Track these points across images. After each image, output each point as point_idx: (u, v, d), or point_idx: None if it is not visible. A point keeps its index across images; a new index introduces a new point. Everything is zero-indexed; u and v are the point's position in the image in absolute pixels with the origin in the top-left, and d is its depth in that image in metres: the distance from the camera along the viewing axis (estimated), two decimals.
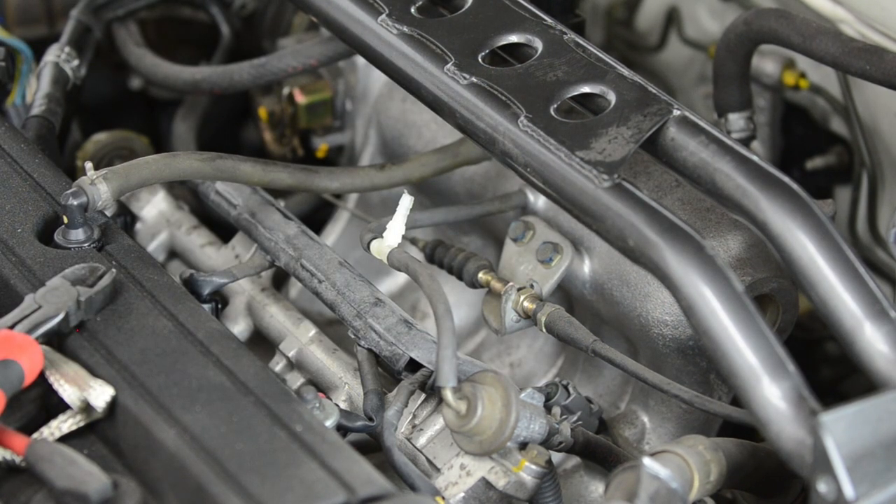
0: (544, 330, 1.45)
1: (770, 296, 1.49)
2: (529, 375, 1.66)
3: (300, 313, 1.52)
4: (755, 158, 1.27)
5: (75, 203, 1.37)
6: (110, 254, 1.37)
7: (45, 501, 1.17)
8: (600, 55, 1.39)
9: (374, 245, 1.47)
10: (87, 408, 1.22)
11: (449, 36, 1.42)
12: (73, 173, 1.66)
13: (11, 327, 1.24)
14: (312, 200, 1.84)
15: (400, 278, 1.76)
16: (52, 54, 1.73)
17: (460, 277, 1.54)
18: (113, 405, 1.22)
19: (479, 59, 1.40)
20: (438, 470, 1.37)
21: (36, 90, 1.69)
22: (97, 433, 1.23)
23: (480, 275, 1.52)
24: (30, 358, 1.21)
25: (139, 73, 1.87)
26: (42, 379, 1.22)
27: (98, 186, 1.39)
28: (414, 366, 1.40)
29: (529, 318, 1.47)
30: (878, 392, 1.16)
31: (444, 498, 1.33)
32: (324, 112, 1.83)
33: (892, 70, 1.51)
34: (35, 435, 1.21)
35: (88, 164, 1.39)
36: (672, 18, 2.09)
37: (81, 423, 1.22)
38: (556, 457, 1.42)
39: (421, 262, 1.42)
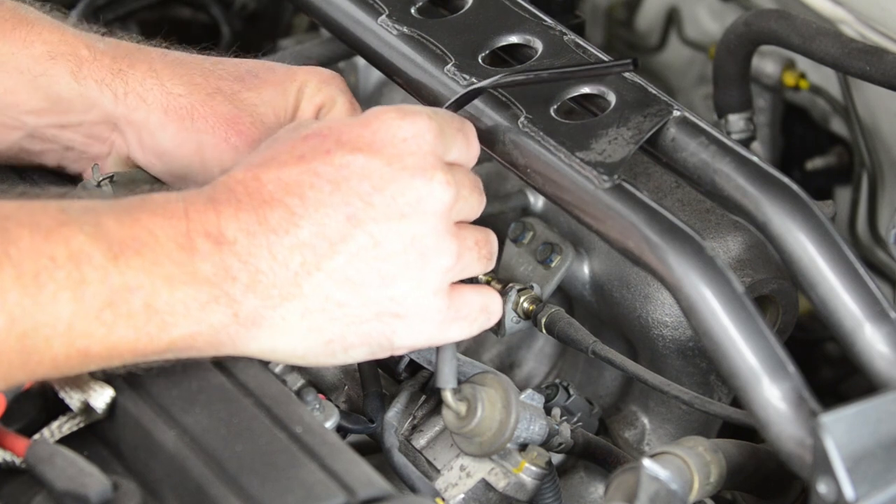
0: (544, 331, 1.45)
1: (770, 297, 1.49)
2: (529, 376, 1.66)
3: None
4: (755, 159, 1.27)
5: None
6: None
7: (45, 503, 1.17)
8: (600, 56, 1.39)
9: None
10: (87, 409, 1.22)
11: (449, 37, 1.42)
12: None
13: None
14: None
15: None
16: None
17: None
18: (113, 406, 1.22)
19: (480, 60, 1.40)
20: (438, 471, 1.37)
21: None
22: (97, 435, 1.23)
23: (480, 276, 1.52)
24: None
25: None
26: (42, 380, 1.22)
27: (104, 189, 1.39)
28: (414, 367, 1.40)
29: (529, 319, 1.47)
30: (878, 393, 1.16)
31: (444, 499, 1.33)
32: None
33: (892, 71, 1.51)
34: (35, 436, 1.21)
35: (95, 166, 1.39)
36: (672, 19, 2.09)
37: (81, 425, 1.22)
38: (556, 458, 1.42)
39: None
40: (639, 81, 1.35)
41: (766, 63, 1.86)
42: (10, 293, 1.10)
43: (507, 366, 1.67)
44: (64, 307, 1.11)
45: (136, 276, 1.13)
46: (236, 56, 1.42)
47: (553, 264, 1.54)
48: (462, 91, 1.33)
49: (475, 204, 1.26)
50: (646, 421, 1.56)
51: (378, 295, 1.21)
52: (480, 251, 1.26)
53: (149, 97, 1.35)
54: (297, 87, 1.37)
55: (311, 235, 1.18)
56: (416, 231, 1.21)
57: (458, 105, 1.33)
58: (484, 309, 1.27)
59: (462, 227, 1.25)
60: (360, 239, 1.19)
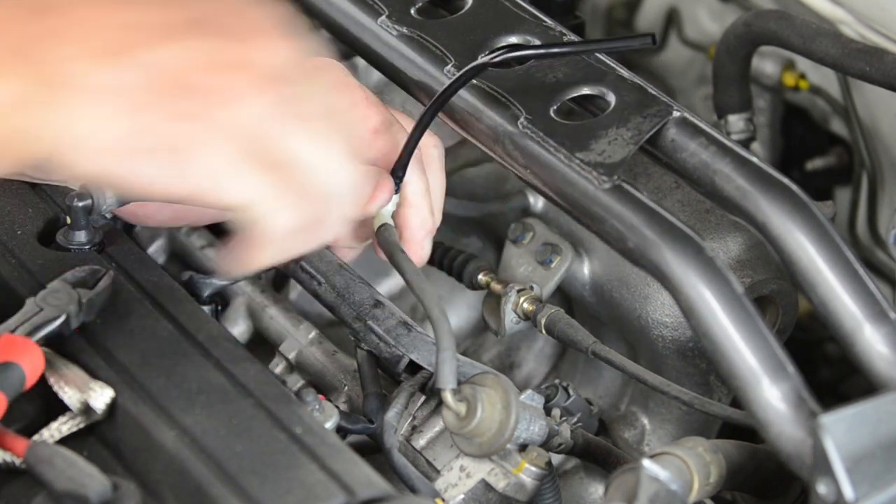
0: (544, 331, 1.45)
1: (770, 297, 1.49)
2: (529, 377, 1.66)
3: (300, 315, 1.52)
4: (755, 160, 1.27)
5: (80, 205, 1.36)
6: (111, 256, 1.37)
7: (45, 503, 1.17)
8: (600, 56, 1.39)
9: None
10: (87, 410, 1.22)
11: (449, 37, 1.42)
12: None
13: (13, 330, 1.24)
14: None
15: (400, 280, 1.76)
16: None
17: (460, 279, 1.54)
18: (113, 407, 1.22)
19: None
20: (438, 472, 1.37)
21: None
22: (97, 435, 1.23)
23: (480, 276, 1.52)
24: (31, 360, 1.21)
25: None
26: (42, 381, 1.22)
27: (104, 190, 1.39)
28: (414, 367, 1.40)
29: (529, 319, 1.47)
30: (878, 393, 1.16)
31: (443, 500, 1.33)
32: None
33: (891, 71, 1.51)
34: (35, 437, 1.21)
35: None
36: (672, 19, 2.09)
37: (81, 425, 1.22)
38: (556, 458, 1.42)
39: (409, 259, 1.38)
40: (638, 82, 1.35)
41: (766, 63, 1.86)
42: None
43: (506, 366, 1.67)
44: None
45: None
46: None
47: (553, 265, 1.54)
48: (466, 67, 1.33)
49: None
50: (645, 421, 1.56)
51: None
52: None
53: None
54: None
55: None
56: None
57: (464, 80, 1.32)
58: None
59: None
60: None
